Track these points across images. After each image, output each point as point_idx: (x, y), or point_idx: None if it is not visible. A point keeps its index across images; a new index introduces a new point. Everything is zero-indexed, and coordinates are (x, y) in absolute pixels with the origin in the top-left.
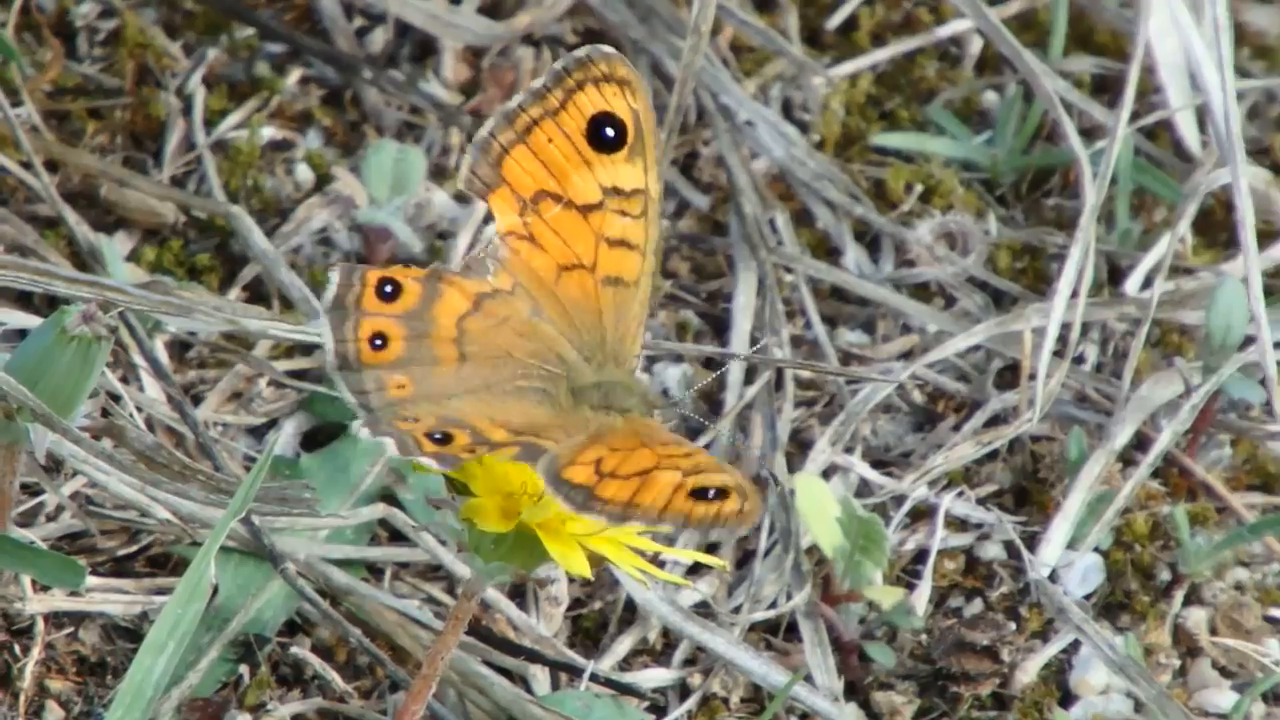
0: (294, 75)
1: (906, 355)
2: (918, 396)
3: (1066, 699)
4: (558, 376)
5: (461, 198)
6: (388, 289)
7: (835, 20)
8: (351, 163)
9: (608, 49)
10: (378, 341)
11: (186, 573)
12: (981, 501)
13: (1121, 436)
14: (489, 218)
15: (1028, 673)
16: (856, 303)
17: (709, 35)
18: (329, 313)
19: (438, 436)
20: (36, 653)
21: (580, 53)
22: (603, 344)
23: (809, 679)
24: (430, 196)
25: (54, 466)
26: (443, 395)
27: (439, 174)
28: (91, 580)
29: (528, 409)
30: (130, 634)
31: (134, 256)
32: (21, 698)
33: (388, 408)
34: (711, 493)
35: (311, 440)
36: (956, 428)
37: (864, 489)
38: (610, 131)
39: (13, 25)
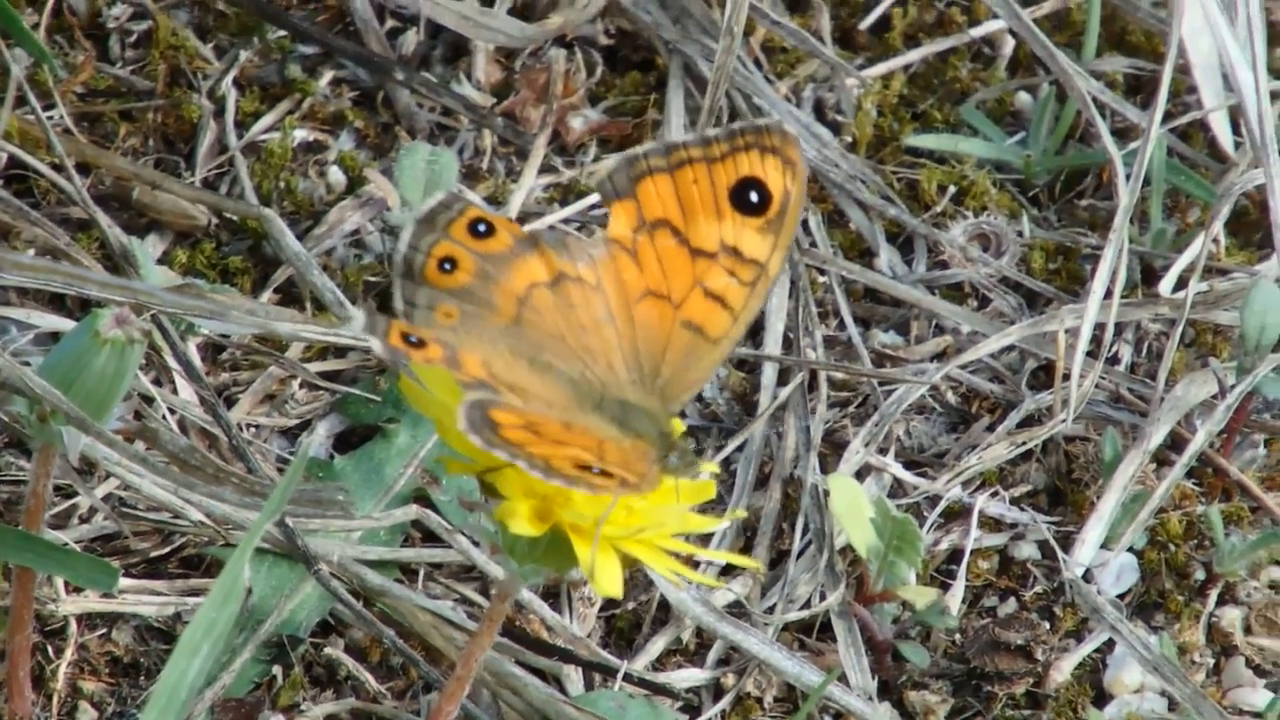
0: (326, 77)
1: (940, 356)
2: (951, 397)
3: (1101, 698)
4: (593, 380)
5: (494, 200)
6: (481, 227)
7: (868, 21)
8: (384, 165)
9: (790, 129)
10: (447, 265)
11: (221, 574)
12: (1015, 502)
13: (1156, 437)
14: (522, 220)
15: (1062, 672)
16: (890, 304)
17: (742, 36)
18: (418, 222)
19: (413, 340)
20: (70, 654)
21: (761, 121)
22: (656, 376)
23: (843, 679)
24: None
25: (87, 469)
26: (478, 338)
27: (472, 176)
28: (124, 581)
29: (545, 386)
30: (163, 635)
31: (166, 259)
32: (55, 698)
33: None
34: (596, 470)
35: (344, 442)
36: (990, 428)
37: (898, 489)
38: (755, 198)
39: (44, 27)
